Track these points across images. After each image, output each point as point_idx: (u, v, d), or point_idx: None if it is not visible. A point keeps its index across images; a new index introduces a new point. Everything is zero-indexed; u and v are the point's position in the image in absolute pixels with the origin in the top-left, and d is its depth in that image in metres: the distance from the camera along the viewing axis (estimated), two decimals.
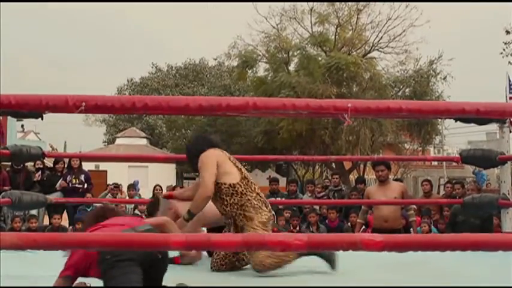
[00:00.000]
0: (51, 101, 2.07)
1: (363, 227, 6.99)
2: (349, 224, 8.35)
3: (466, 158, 5.07)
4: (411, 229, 6.91)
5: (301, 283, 3.40)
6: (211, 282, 3.44)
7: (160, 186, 10.39)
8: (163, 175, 22.77)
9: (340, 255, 3.60)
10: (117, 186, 10.57)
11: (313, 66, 19.10)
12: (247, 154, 21.25)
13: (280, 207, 8.65)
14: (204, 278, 3.61)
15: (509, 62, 16.54)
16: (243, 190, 3.73)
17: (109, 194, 10.21)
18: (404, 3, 19.56)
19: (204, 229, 4.32)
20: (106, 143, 36.84)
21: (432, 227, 7.93)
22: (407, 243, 1.81)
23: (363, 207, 6.91)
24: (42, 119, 4.61)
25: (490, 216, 6.67)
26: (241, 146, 24.27)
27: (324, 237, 1.86)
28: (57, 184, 9.03)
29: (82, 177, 9.26)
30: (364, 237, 1.76)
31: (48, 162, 10.86)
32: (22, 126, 32.68)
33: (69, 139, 45.44)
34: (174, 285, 2.87)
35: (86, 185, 9.22)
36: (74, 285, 2.81)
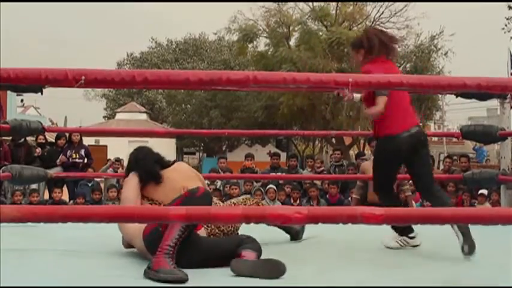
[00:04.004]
0: (51, 74, 2.05)
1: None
2: (349, 199, 8.40)
3: (467, 133, 5.06)
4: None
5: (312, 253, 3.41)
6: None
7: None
8: (163, 150, 22.59)
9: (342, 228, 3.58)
10: (118, 161, 10.60)
11: (314, 41, 18.99)
12: (247, 129, 21.29)
13: (280, 182, 8.72)
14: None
15: (511, 38, 16.40)
16: None
17: (110, 168, 10.25)
18: None
19: None
20: (106, 118, 36.81)
21: None
22: (408, 217, 1.81)
23: (358, 182, 6.93)
24: (42, 93, 4.59)
25: None
26: (242, 121, 24.26)
27: (324, 210, 1.85)
28: (58, 159, 9.05)
29: (82, 152, 9.28)
30: (364, 211, 1.75)
31: (50, 138, 10.87)
32: (22, 101, 32.58)
33: (70, 114, 45.36)
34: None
35: (86, 160, 9.25)
36: None
